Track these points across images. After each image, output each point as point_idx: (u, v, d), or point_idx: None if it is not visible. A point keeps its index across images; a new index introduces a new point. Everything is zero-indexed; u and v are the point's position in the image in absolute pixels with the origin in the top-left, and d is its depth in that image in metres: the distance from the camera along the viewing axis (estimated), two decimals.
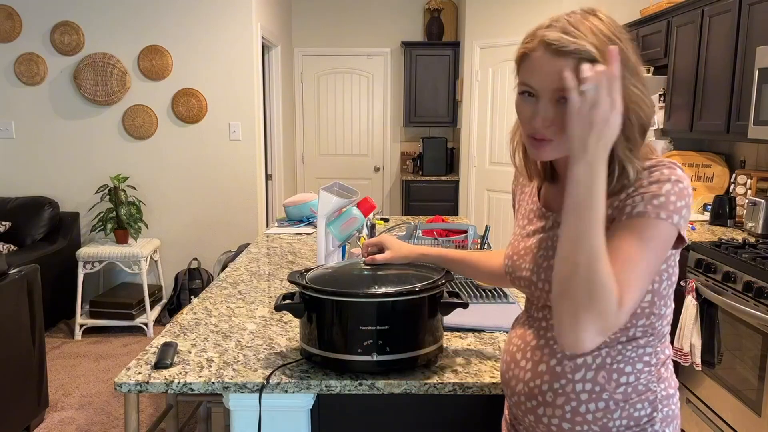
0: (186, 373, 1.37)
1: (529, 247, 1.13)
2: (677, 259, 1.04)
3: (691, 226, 3.22)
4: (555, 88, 0.96)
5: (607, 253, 0.91)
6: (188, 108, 4.44)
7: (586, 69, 0.89)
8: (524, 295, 1.93)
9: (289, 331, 1.63)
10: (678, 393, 1.10)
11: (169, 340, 1.57)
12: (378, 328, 1.29)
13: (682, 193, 0.96)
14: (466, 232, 2.23)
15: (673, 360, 1.12)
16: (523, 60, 1.00)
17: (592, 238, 0.89)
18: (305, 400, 1.35)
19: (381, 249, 1.46)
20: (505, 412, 1.25)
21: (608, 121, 0.88)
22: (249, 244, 3.03)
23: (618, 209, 0.99)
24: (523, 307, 1.79)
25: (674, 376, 1.10)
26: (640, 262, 0.92)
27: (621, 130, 0.92)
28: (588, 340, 0.89)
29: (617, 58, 0.89)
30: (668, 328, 1.07)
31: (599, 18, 0.98)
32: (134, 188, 4.48)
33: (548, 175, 1.16)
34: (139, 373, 1.37)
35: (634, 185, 0.98)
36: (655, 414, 1.04)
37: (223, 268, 3.75)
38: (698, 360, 2.65)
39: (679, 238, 0.98)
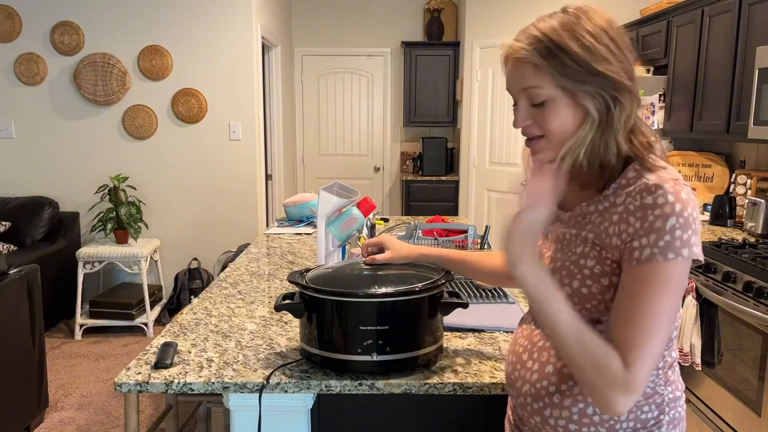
0: (186, 373, 1.37)
1: (540, 250, 1.14)
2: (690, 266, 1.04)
3: None
4: (522, 88, 1.04)
5: (618, 308, 0.97)
6: (188, 108, 4.44)
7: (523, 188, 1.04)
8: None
9: (289, 331, 1.63)
10: (684, 396, 1.10)
11: (169, 340, 1.57)
12: (378, 328, 1.29)
13: (687, 222, 0.95)
14: (466, 232, 2.23)
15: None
16: (504, 69, 1.10)
17: (562, 324, 0.97)
18: (305, 400, 1.35)
19: (381, 249, 1.47)
20: (509, 412, 1.25)
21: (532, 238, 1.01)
22: (249, 244, 3.03)
23: (626, 246, 0.98)
24: (522, 308, 1.79)
25: (681, 378, 1.10)
26: (650, 315, 0.94)
27: (592, 127, 1.01)
28: (619, 405, 0.93)
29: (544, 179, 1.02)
30: (675, 333, 1.07)
31: (588, 17, 1.01)
32: (134, 188, 4.48)
33: None
34: (139, 373, 1.37)
35: (639, 195, 0.98)
36: (662, 417, 1.04)
37: (223, 268, 3.75)
38: (698, 360, 2.65)
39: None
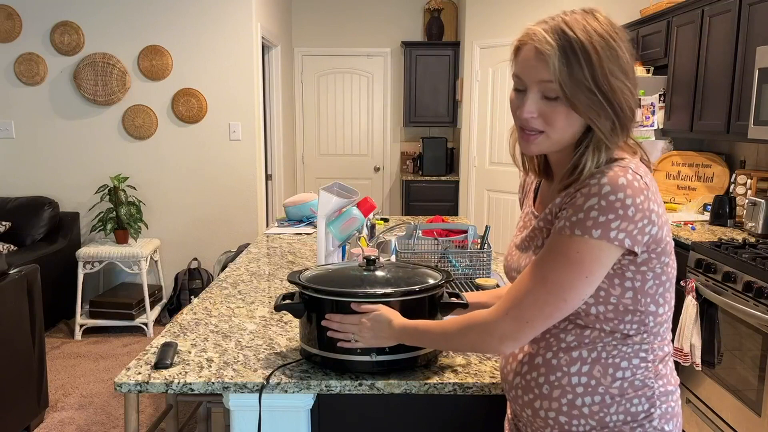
0: (186, 373, 1.37)
1: (519, 251, 1.17)
2: (667, 259, 1.03)
3: (691, 226, 3.22)
4: (539, 81, 1.01)
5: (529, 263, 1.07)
6: (188, 108, 4.44)
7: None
8: None
9: (289, 331, 1.63)
10: (678, 390, 1.10)
11: (169, 340, 1.57)
12: None
13: (612, 206, 0.96)
14: (466, 232, 2.23)
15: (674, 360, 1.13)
16: (516, 53, 1.06)
17: (436, 342, 1.19)
18: (305, 400, 1.35)
19: None
20: (508, 411, 1.26)
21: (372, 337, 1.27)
22: (249, 244, 3.03)
23: (555, 217, 1.04)
24: None
25: (674, 373, 1.10)
26: (535, 277, 1.02)
27: (600, 123, 1.01)
28: (493, 348, 1.07)
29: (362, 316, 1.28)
30: (665, 327, 1.07)
31: (596, 18, 1.01)
32: (134, 188, 4.48)
33: (542, 172, 1.18)
34: (139, 373, 1.37)
35: (581, 183, 1.01)
36: (653, 410, 1.04)
37: (223, 268, 3.75)
38: (698, 360, 2.65)
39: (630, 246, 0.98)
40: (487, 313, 1.08)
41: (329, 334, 1.30)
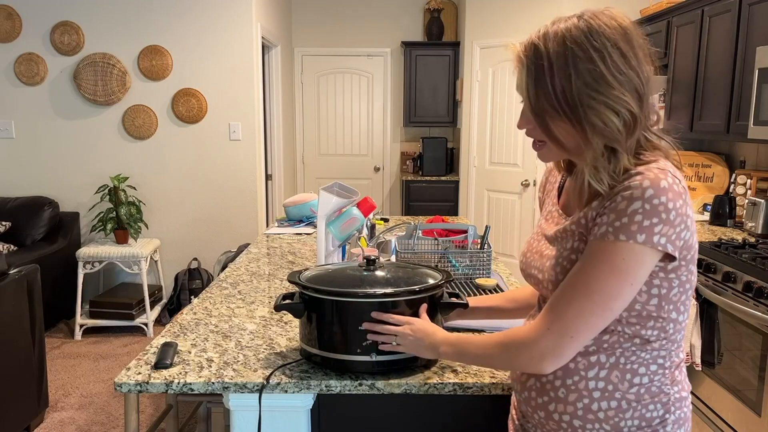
0: (186, 373, 1.37)
1: (541, 249, 1.15)
2: (692, 267, 1.02)
3: None
4: (521, 93, 1.05)
5: (568, 273, 1.03)
6: (188, 108, 4.44)
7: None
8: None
9: (289, 331, 1.63)
10: (690, 396, 1.10)
11: (169, 340, 1.57)
12: None
13: (655, 210, 0.94)
14: (466, 232, 2.23)
15: None
16: None
17: (478, 358, 1.13)
18: (305, 400, 1.35)
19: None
20: (512, 411, 1.25)
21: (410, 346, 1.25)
22: (249, 244, 3.03)
23: (593, 222, 1.01)
24: None
25: (687, 379, 1.10)
26: (579, 288, 0.98)
27: (583, 152, 1.02)
28: (531, 367, 1.03)
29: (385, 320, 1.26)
30: (682, 333, 1.07)
31: (590, 24, 1.00)
32: (134, 188, 4.48)
33: (566, 168, 1.18)
34: (139, 373, 1.37)
35: (620, 186, 0.98)
36: (667, 416, 1.04)
37: (223, 268, 3.74)
38: (698, 360, 2.65)
39: (667, 253, 0.97)
40: (527, 329, 1.04)
41: (370, 336, 1.28)
